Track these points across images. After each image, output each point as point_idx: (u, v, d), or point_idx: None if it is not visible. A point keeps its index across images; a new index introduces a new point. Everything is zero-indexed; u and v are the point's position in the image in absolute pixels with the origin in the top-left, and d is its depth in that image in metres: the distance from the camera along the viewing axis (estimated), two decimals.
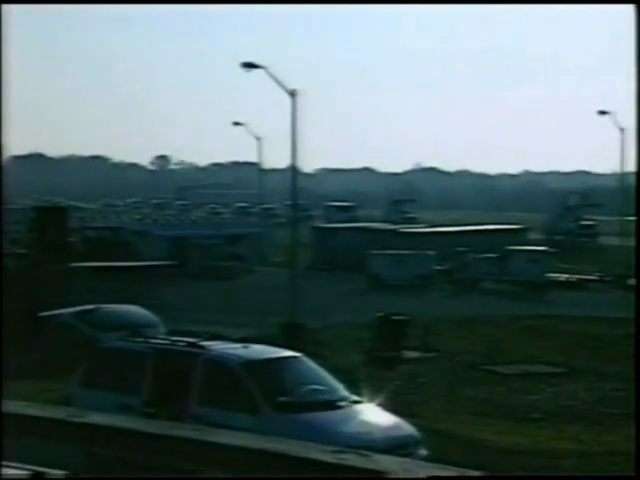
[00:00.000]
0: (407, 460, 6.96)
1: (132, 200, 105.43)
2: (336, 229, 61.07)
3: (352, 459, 6.22)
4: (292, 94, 30.26)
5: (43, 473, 4.49)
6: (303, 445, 6.82)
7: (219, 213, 78.24)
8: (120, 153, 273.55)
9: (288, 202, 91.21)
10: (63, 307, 24.84)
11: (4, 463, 4.64)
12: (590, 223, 74.15)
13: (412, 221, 78.16)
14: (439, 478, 5.66)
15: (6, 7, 6.93)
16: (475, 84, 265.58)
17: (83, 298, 26.61)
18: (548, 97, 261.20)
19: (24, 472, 4.53)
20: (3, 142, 7.03)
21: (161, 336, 15.74)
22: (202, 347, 13.57)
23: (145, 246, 49.82)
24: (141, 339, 14.60)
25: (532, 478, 5.06)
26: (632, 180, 65.42)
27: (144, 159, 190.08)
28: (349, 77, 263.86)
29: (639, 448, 6.37)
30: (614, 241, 62.17)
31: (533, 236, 61.52)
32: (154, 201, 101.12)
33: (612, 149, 48.75)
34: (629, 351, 27.80)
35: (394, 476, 5.44)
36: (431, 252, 47.88)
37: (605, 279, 48.19)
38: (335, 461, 6.22)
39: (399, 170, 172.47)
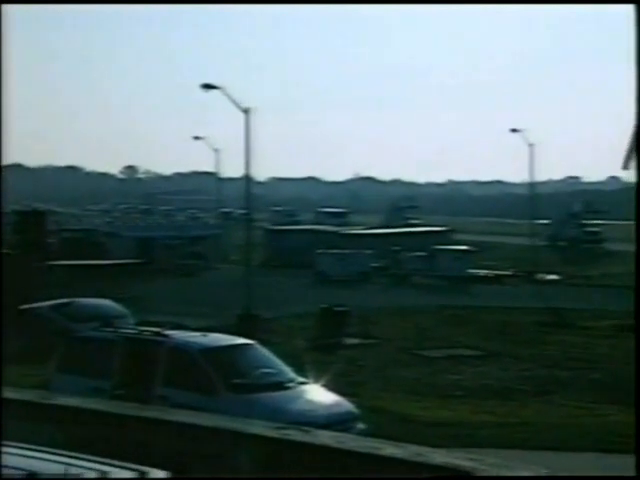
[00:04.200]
0: (343, 434, 6.98)
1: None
2: (287, 231, 60.94)
3: (294, 434, 6.24)
4: (245, 111, 30.21)
5: (145, 472, 4.28)
6: (251, 422, 6.82)
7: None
8: (92, 163, 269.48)
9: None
10: (42, 301, 24.42)
11: (104, 460, 4.41)
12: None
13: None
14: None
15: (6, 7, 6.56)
16: (407, 103, 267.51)
17: (59, 292, 26.20)
18: (469, 116, 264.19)
19: (128, 471, 4.27)
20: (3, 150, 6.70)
21: (129, 326, 15.59)
22: (166, 335, 13.47)
23: (115, 246, 49.23)
24: (111, 329, 14.46)
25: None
26: (540, 189, 65.74)
27: (114, 168, 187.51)
28: (295, 96, 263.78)
29: (639, 447, 6.24)
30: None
31: (458, 237, 62.10)
32: (141, 207, 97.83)
33: (522, 162, 49.37)
34: (537, 336, 28.33)
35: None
36: (369, 251, 48.10)
37: (517, 274, 48.77)
38: (279, 436, 6.23)
39: (340, 179, 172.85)
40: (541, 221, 71.66)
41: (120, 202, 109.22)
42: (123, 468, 4.34)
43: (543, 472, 5.40)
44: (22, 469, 4.16)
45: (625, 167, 40.05)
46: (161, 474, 4.43)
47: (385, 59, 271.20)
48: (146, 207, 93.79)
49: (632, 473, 12.52)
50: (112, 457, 4.49)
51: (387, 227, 68.85)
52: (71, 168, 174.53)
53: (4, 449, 4.43)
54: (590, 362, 23.44)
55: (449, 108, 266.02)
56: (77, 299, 24.12)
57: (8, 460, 4.25)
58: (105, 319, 17.27)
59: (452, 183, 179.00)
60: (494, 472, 5.35)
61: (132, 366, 13.31)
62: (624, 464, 12.95)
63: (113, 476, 4.21)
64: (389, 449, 5.87)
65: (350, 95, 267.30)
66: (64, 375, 13.70)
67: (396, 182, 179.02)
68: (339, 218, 77.33)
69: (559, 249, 63.38)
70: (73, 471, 4.22)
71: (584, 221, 69.80)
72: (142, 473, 4.31)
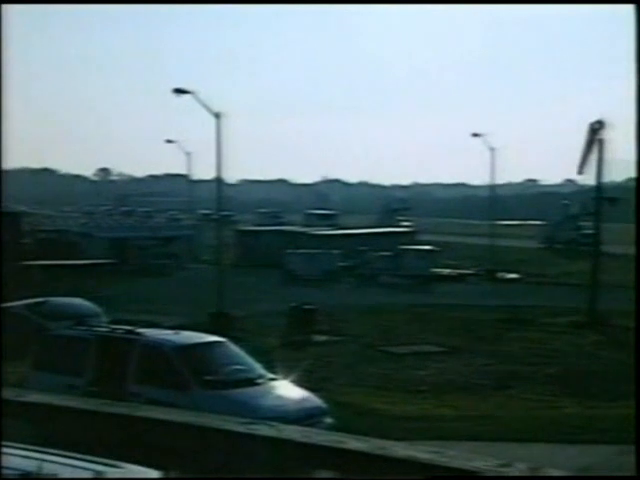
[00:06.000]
0: (308, 429, 7.01)
1: (103, 208, 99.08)
2: (257, 231, 60.83)
3: (260, 429, 6.26)
4: (217, 115, 30.12)
5: (140, 472, 4.20)
6: (220, 418, 6.83)
7: (178, 219, 73.24)
8: (67, 166, 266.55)
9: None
10: (16, 300, 24.12)
11: (88, 458, 4.32)
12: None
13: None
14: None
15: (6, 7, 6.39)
16: (372, 107, 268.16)
17: (34, 292, 25.89)
18: (434, 120, 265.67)
19: (117, 470, 4.20)
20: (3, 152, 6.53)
21: (103, 325, 15.50)
22: (139, 334, 13.42)
23: (89, 246, 48.78)
24: (85, 327, 14.37)
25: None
26: (501, 191, 65.82)
27: (88, 171, 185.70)
28: (265, 100, 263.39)
29: (639, 447, 6.18)
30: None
31: (423, 237, 62.46)
32: (112, 208, 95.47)
33: (484, 165, 49.75)
34: (498, 333, 28.61)
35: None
36: (337, 251, 48.20)
37: (479, 273, 49.10)
38: (245, 431, 6.24)
39: (309, 181, 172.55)
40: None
41: (94, 204, 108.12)
42: (118, 467, 4.29)
43: (497, 462, 5.48)
44: (17, 469, 4.10)
45: (580, 172, 40.26)
46: (154, 474, 4.39)
47: (352, 63, 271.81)
48: (121, 209, 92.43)
49: (587, 461, 12.75)
50: (85, 453, 4.46)
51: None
52: (46, 170, 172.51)
53: None
54: (547, 357, 23.75)
55: (415, 112, 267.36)
56: (51, 298, 23.86)
57: (4, 460, 4.18)
58: (79, 318, 17.11)
59: (417, 185, 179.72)
60: (453, 463, 5.43)
61: (106, 364, 13.24)
62: (581, 454, 13.17)
63: (108, 476, 4.16)
64: (353, 443, 5.92)
65: (317, 99, 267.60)
66: (39, 373, 13.59)
67: (363, 184, 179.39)
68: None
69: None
70: (69, 471, 4.17)
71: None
72: (137, 472, 4.26)
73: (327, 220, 74.73)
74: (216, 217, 35.61)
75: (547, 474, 5.60)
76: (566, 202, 73.38)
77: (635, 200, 7.09)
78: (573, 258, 54.20)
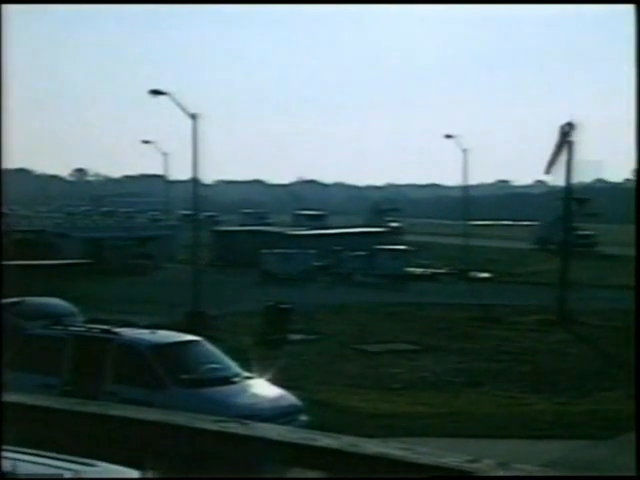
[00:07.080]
0: (282, 427, 7.02)
1: (83, 208, 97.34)
2: (234, 232, 60.64)
3: (234, 427, 6.26)
4: (193, 117, 30.03)
5: (122, 472, 4.14)
6: (194, 416, 6.82)
7: (157, 220, 71.99)
8: (42, 166, 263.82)
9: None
10: None
11: (68, 458, 4.23)
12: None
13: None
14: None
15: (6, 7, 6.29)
16: (348, 108, 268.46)
17: (10, 292, 25.59)
18: (406, 122, 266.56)
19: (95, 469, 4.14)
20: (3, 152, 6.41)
21: (79, 324, 15.40)
22: (115, 333, 13.35)
23: (65, 247, 48.38)
24: (61, 327, 14.27)
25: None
26: (474, 192, 65.70)
27: (64, 171, 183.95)
28: (241, 101, 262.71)
29: (639, 447, 6.18)
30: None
31: (397, 237, 62.68)
32: (90, 208, 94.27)
33: (456, 166, 49.96)
34: (470, 331, 28.81)
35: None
36: (312, 251, 48.21)
37: (451, 272, 49.32)
38: (218, 429, 6.24)
39: (285, 182, 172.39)
40: (506, 222, 69.09)
41: (71, 204, 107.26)
42: (95, 467, 4.25)
43: (466, 458, 5.52)
44: None
45: (547, 172, 40.92)
46: (134, 473, 4.35)
47: (326, 65, 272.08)
48: (101, 209, 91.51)
49: (556, 455, 12.90)
50: (59, 452, 4.43)
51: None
52: (22, 170, 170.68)
53: None
54: (518, 355, 23.96)
55: (390, 113, 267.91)
56: (27, 298, 23.61)
57: None
58: (55, 317, 17.01)
59: (391, 186, 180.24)
60: (423, 459, 5.47)
61: (82, 363, 13.16)
62: (550, 448, 13.30)
63: (86, 475, 4.12)
64: (325, 440, 5.94)
65: (293, 100, 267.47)
66: (15, 372, 13.45)
67: (338, 185, 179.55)
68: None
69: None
70: (45, 470, 4.12)
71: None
72: (115, 472, 4.22)
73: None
74: (196, 218, 35.44)
75: (516, 469, 5.65)
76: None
77: (635, 200, 7.12)
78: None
